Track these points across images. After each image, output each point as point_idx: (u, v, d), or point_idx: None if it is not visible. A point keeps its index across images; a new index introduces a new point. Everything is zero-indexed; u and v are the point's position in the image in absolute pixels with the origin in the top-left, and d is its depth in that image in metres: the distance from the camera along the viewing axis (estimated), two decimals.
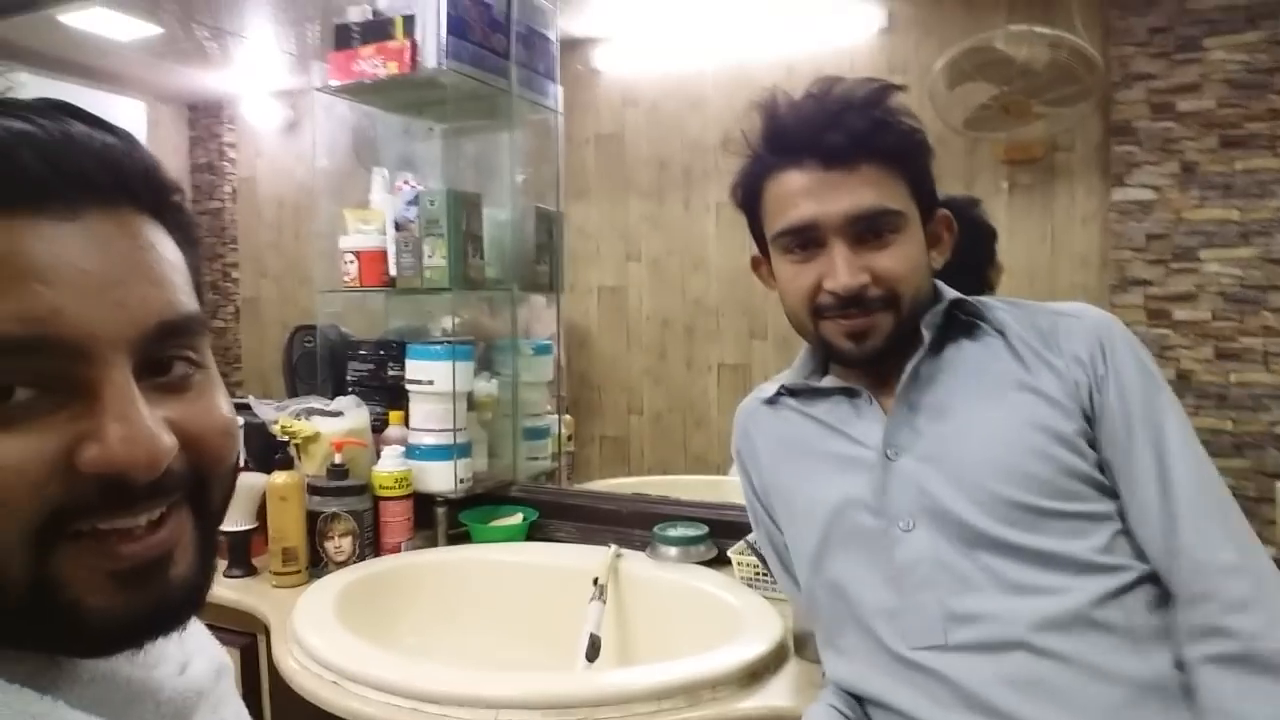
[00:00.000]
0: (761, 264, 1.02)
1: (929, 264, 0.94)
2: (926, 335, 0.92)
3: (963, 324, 0.95)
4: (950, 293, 0.97)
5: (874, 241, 0.89)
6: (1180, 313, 1.76)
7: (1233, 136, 1.70)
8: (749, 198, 0.97)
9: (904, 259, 0.90)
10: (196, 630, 0.58)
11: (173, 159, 3.06)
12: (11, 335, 0.38)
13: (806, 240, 0.91)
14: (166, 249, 0.45)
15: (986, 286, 1.50)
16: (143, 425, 0.40)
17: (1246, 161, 1.69)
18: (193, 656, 0.53)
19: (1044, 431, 0.86)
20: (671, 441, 2.36)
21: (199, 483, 0.45)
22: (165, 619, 0.44)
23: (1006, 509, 0.84)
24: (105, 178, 0.42)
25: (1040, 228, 1.91)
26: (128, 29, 2.58)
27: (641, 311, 2.40)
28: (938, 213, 0.96)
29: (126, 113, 2.92)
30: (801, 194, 0.90)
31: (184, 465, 0.43)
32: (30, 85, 2.58)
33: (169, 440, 0.41)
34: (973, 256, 1.46)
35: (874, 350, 0.92)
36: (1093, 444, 0.88)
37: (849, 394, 0.97)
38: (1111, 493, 0.87)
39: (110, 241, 0.42)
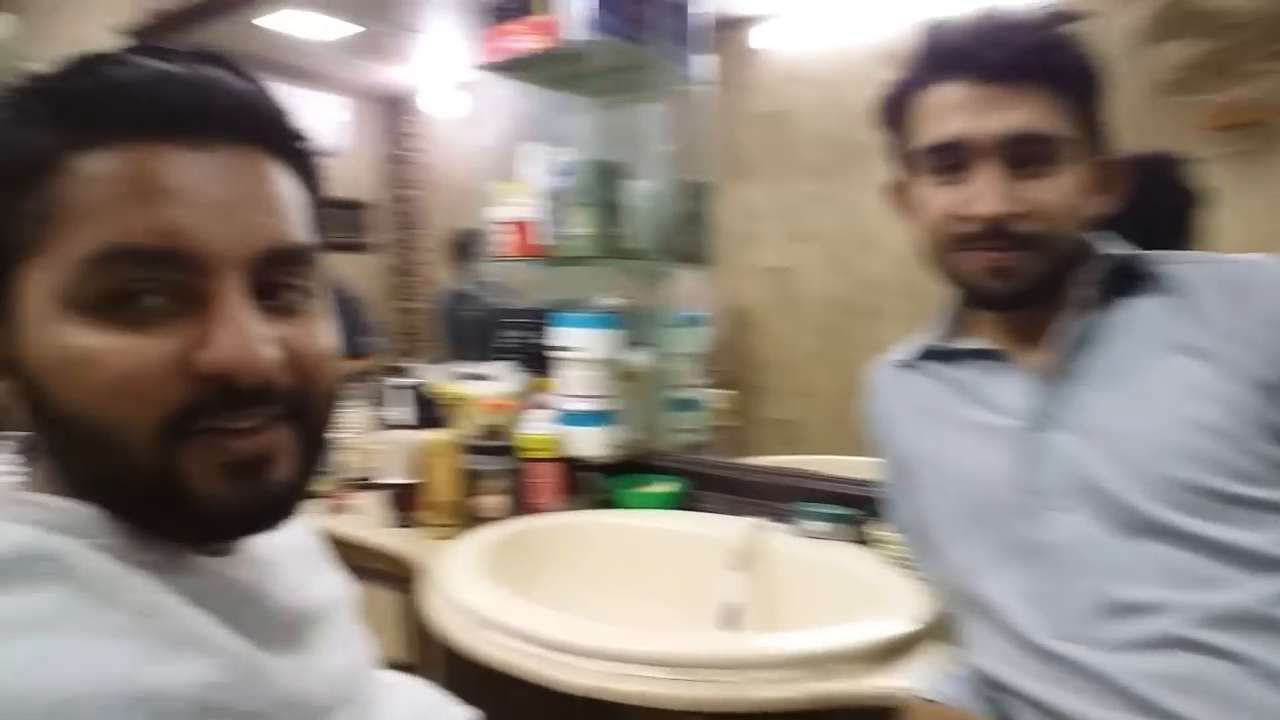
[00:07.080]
0: (901, 190, 0.94)
1: (1088, 209, 0.84)
2: (1088, 293, 0.82)
3: (1133, 281, 0.83)
4: (1115, 245, 0.86)
5: (1028, 170, 0.80)
6: None
7: None
8: (894, 113, 0.89)
9: (1063, 195, 0.80)
10: (322, 561, 0.63)
11: (367, 150, 3.30)
12: (144, 246, 0.44)
13: (952, 160, 0.83)
14: (286, 186, 0.49)
15: None
16: (247, 334, 0.45)
17: None
18: (313, 582, 0.58)
19: (1223, 405, 0.75)
20: (841, 425, 2.28)
21: (300, 400, 0.48)
22: (267, 513, 0.49)
23: (1178, 492, 0.74)
24: (239, 118, 0.47)
25: (1266, 196, 1.69)
26: (322, 28, 2.79)
27: (810, 293, 2.34)
28: (1110, 155, 0.85)
29: (324, 108, 3.18)
30: (952, 109, 0.82)
31: (287, 382, 0.47)
32: None
33: (271, 352, 0.45)
34: (1171, 228, 1.30)
35: (1016, 292, 0.83)
36: None
37: (992, 356, 0.89)
38: None
39: (236, 174, 0.46)
